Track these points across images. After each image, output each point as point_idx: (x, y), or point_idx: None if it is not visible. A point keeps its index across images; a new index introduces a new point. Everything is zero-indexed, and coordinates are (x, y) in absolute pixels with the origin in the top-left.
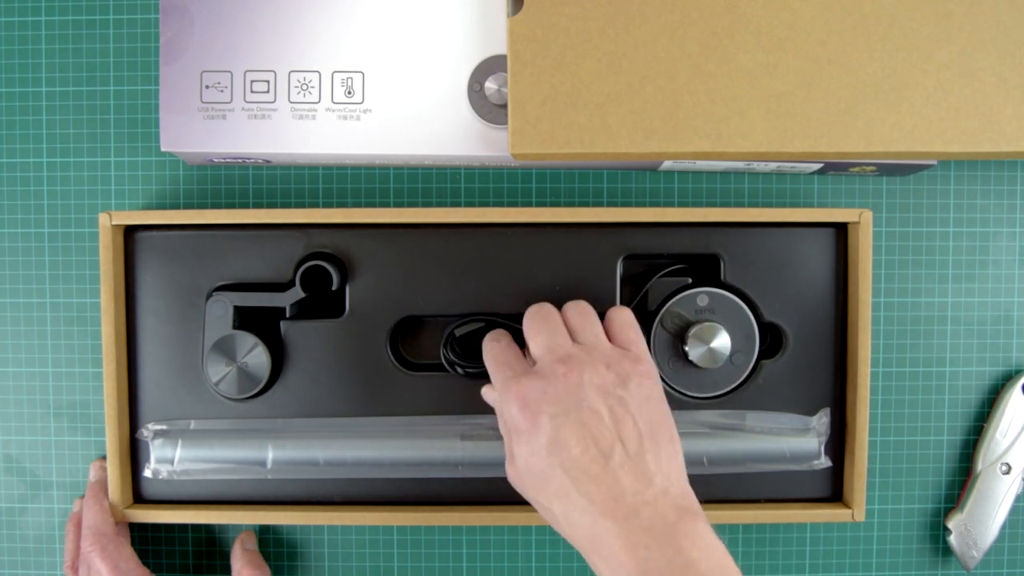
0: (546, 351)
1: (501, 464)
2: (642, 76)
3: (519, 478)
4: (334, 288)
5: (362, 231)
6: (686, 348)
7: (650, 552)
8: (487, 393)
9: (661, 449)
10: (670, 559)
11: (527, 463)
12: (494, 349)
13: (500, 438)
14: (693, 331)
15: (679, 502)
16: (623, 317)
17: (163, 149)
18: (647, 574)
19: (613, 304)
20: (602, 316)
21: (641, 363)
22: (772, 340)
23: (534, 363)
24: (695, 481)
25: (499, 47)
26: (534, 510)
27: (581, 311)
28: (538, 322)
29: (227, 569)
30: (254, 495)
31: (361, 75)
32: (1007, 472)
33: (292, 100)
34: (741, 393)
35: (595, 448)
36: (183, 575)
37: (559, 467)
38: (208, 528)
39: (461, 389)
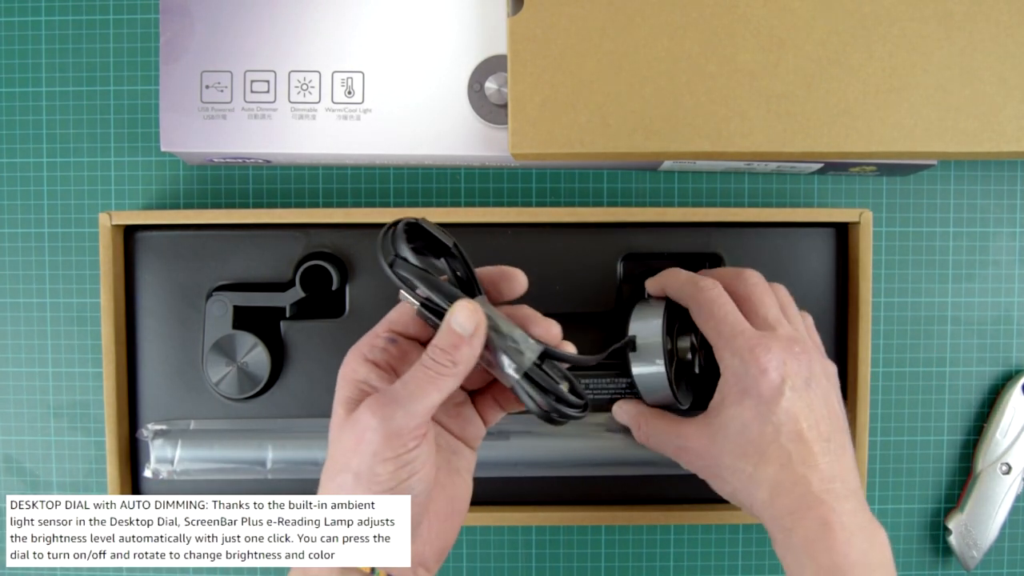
0: (778, 323)
1: (501, 464)
2: (642, 76)
3: (713, 436)
4: (334, 288)
5: (362, 231)
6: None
7: (853, 540)
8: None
9: (849, 447)
10: (867, 552)
11: (744, 423)
12: (720, 297)
13: (500, 438)
14: (680, 345)
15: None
16: (788, 297)
17: (163, 149)
18: (847, 558)
19: (613, 304)
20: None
21: (829, 360)
22: None
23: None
24: (694, 481)
25: (499, 47)
26: (533, 510)
27: (786, 294)
28: (766, 293)
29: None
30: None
31: (361, 75)
32: (1007, 472)
33: (292, 100)
34: None
35: (816, 430)
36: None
37: (784, 437)
38: None
39: None
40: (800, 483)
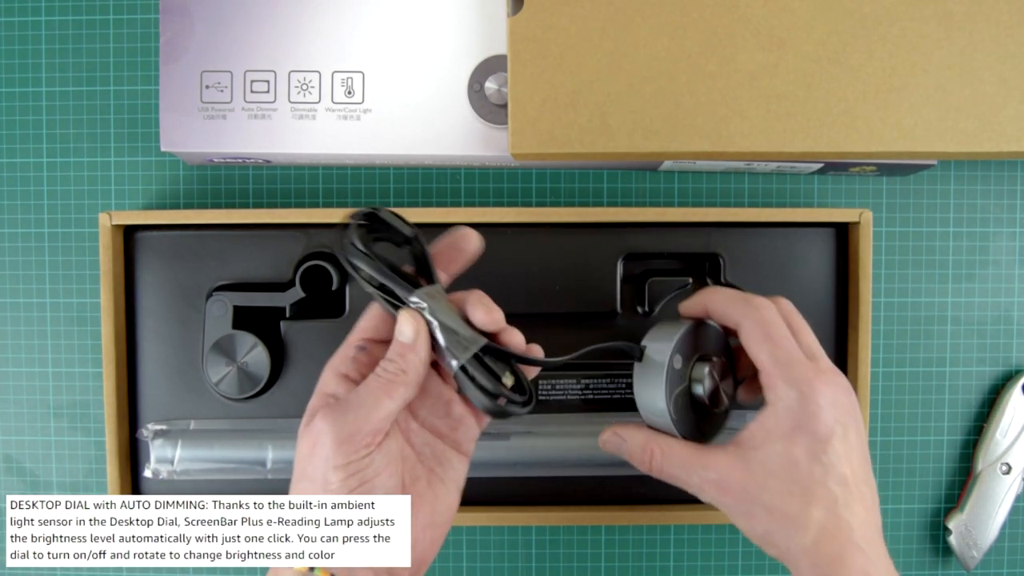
0: (821, 356)
1: (501, 464)
2: (642, 76)
3: (751, 470)
4: (334, 288)
5: None
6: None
7: None
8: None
9: (876, 494)
10: None
11: (792, 461)
12: (778, 319)
13: (500, 437)
14: (696, 372)
15: None
16: (805, 324)
17: (163, 149)
18: None
19: (613, 304)
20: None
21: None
22: None
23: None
24: None
25: (499, 47)
26: (533, 510)
27: (806, 327)
28: (805, 322)
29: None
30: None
31: (361, 75)
32: (1007, 472)
33: (292, 100)
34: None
35: (857, 475)
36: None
37: (832, 480)
38: None
39: None
40: (844, 529)
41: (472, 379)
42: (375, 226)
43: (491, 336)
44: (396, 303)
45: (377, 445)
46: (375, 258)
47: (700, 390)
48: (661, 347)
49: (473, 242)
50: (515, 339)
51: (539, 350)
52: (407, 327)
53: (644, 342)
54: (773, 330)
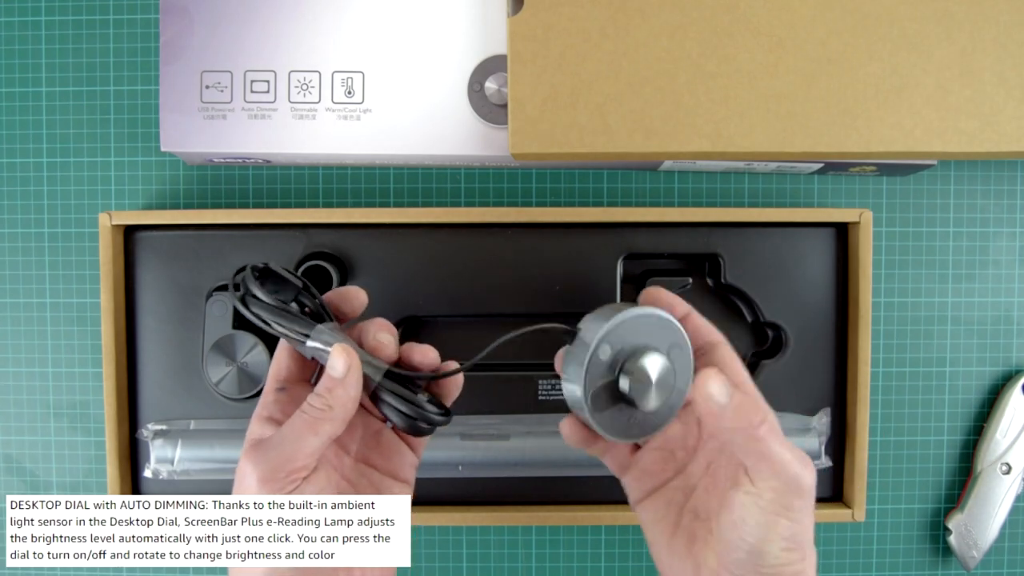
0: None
1: (501, 464)
2: (642, 76)
3: (742, 536)
4: (334, 288)
5: (362, 231)
6: (624, 389)
7: None
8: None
9: None
10: None
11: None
12: (753, 394)
13: (500, 437)
14: (627, 365)
15: None
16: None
17: (163, 149)
18: None
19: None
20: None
21: None
22: (772, 340)
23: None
24: None
25: (499, 47)
26: (533, 510)
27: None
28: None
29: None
30: None
31: (361, 75)
32: (1007, 472)
33: (292, 100)
34: None
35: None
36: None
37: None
38: None
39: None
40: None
41: (387, 402)
42: (264, 278)
43: (399, 360)
44: (303, 336)
45: (304, 479)
46: (276, 302)
47: (626, 386)
48: (593, 331)
49: (359, 300)
50: (428, 355)
51: (453, 363)
52: (339, 362)
53: (580, 324)
54: (757, 402)
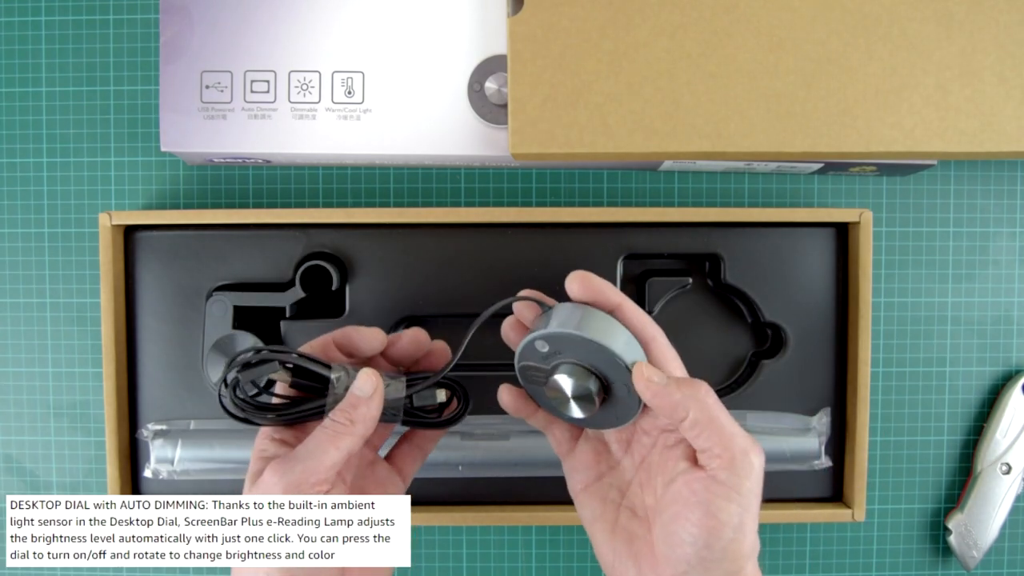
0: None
1: (501, 464)
2: (642, 76)
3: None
4: (334, 288)
5: (362, 231)
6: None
7: None
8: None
9: None
10: None
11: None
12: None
13: (500, 437)
14: (551, 384)
15: None
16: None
17: (163, 149)
18: None
19: None
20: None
21: None
22: (772, 340)
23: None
24: None
25: (499, 47)
26: (533, 510)
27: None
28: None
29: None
30: None
31: (361, 75)
32: (1007, 472)
33: (292, 100)
34: (741, 393)
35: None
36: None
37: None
38: None
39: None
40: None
41: (417, 411)
42: (247, 369)
43: (409, 367)
44: (322, 379)
45: (324, 494)
46: (291, 358)
47: (551, 392)
48: (544, 322)
49: (380, 339)
50: (418, 336)
51: (441, 345)
52: (367, 383)
53: (555, 306)
54: (720, 407)
